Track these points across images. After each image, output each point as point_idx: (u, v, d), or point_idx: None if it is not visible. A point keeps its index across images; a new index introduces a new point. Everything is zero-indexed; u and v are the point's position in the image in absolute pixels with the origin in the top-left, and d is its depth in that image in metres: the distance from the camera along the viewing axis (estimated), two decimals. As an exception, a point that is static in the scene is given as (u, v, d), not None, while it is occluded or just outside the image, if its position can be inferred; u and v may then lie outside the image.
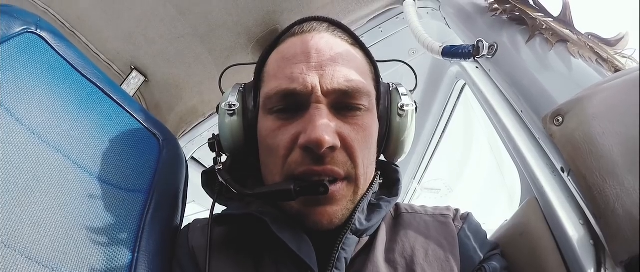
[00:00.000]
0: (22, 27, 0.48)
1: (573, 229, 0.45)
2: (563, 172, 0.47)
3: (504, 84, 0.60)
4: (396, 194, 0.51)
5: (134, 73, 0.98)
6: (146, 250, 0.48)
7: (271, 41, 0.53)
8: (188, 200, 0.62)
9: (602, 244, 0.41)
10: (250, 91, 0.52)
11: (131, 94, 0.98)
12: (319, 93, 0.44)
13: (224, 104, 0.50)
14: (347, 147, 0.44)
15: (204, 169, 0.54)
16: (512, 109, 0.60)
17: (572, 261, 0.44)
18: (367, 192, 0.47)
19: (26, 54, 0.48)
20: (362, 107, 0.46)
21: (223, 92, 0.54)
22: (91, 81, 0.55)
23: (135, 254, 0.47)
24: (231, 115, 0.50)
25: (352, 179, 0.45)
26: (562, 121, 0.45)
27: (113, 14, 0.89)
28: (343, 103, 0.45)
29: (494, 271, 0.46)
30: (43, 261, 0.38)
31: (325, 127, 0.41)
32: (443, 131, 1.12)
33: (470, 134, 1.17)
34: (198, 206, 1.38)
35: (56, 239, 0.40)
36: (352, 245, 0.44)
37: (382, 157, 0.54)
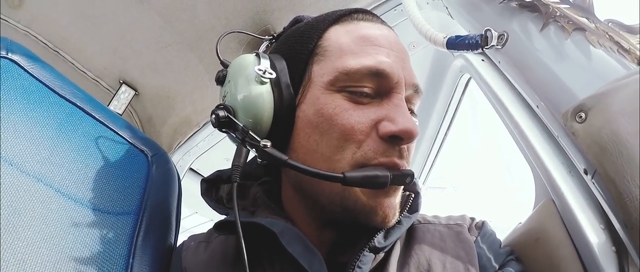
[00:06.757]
0: None
1: (594, 235, 0.41)
2: (586, 174, 0.43)
3: (516, 77, 0.56)
4: (416, 210, 0.47)
5: (124, 87, 0.95)
6: (138, 276, 0.45)
7: (320, 19, 0.46)
8: (190, 211, 0.59)
9: (625, 250, 0.38)
10: (281, 63, 0.44)
11: (122, 110, 0.95)
12: (404, 84, 0.42)
13: (256, 67, 0.42)
14: (409, 147, 0.43)
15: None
16: (525, 104, 0.55)
17: (592, 269, 0.41)
18: None
19: (-3, 81, 0.44)
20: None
21: (222, 62, 0.47)
22: (70, 101, 0.52)
23: (126, 283, 0.43)
24: (261, 84, 0.41)
25: None
26: (586, 118, 0.41)
27: (96, 29, 0.86)
28: (410, 102, 0.45)
29: None
30: (27, 303, 0.35)
31: (411, 119, 0.40)
32: (448, 128, 1.08)
33: (477, 130, 1.12)
34: (201, 216, 1.34)
35: (41, 277, 0.37)
36: (368, 262, 0.41)
37: None
